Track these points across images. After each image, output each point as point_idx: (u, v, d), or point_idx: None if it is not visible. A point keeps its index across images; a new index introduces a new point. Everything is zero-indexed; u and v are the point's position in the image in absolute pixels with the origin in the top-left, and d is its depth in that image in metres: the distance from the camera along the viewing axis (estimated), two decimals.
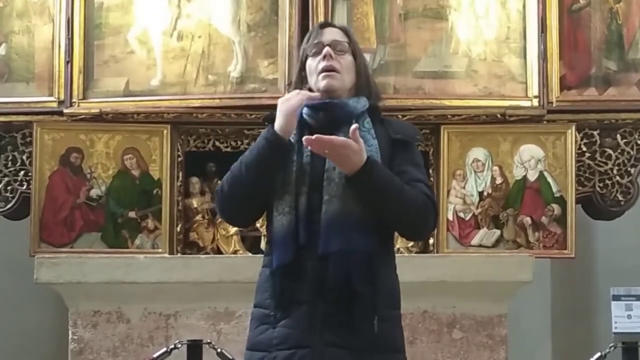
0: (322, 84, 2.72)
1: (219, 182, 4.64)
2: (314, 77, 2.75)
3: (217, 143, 4.89)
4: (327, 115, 2.72)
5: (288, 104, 2.68)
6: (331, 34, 2.79)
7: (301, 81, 2.81)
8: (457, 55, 4.80)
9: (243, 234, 4.80)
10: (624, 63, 4.84)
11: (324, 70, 2.72)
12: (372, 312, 2.61)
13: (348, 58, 2.76)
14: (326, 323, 2.60)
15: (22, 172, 4.88)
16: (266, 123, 2.79)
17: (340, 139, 2.56)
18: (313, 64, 2.76)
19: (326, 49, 2.73)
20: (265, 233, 4.27)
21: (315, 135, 2.55)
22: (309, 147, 2.59)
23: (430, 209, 2.69)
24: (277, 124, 2.66)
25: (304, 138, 2.58)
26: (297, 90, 2.74)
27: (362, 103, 2.76)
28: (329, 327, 2.60)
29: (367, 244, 2.62)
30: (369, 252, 2.62)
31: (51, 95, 4.81)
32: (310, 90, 2.76)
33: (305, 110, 2.73)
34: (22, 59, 4.87)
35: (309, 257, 2.62)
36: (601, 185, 4.88)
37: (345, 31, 2.83)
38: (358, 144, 2.56)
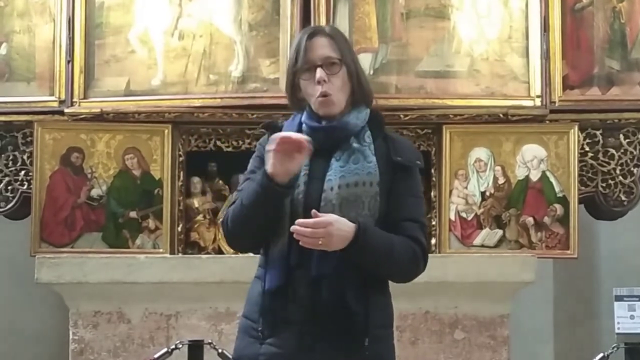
0: (321, 111, 2.67)
1: (221, 184, 4.59)
2: (311, 99, 2.68)
3: (218, 143, 4.88)
4: (327, 136, 2.67)
5: (285, 151, 2.53)
6: (321, 49, 2.68)
7: (297, 103, 2.73)
8: (459, 55, 4.79)
9: None
10: (627, 62, 4.82)
11: (320, 96, 2.65)
12: (364, 333, 2.59)
13: (340, 75, 2.68)
14: (315, 345, 2.58)
15: (23, 172, 4.87)
16: (262, 131, 2.76)
17: (323, 219, 2.50)
18: (308, 88, 2.68)
19: (319, 74, 2.64)
20: None
21: (297, 226, 2.50)
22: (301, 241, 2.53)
23: (419, 260, 2.67)
24: (271, 169, 2.54)
25: (292, 228, 2.51)
26: (294, 135, 2.58)
27: (362, 117, 2.69)
28: (318, 349, 2.58)
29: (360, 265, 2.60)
30: (362, 273, 2.60)
31: (52, 94, 4.80)
32: (310, 108, 2.70)
33: (305, 129, 2.69)
34: (23, 59, 4.86)
35: (301, 278, 2.59)
36: (604, 185, 4.86)
37: (334, 39, 2.71)
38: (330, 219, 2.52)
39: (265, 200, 2.57)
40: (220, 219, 2.79)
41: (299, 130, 2.69)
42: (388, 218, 2.64)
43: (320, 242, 2.51)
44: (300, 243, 2.52)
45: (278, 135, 2.55)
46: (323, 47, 2.69)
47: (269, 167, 2.54)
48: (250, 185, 2.62)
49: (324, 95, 2.65)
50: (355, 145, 2.65)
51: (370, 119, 2.72)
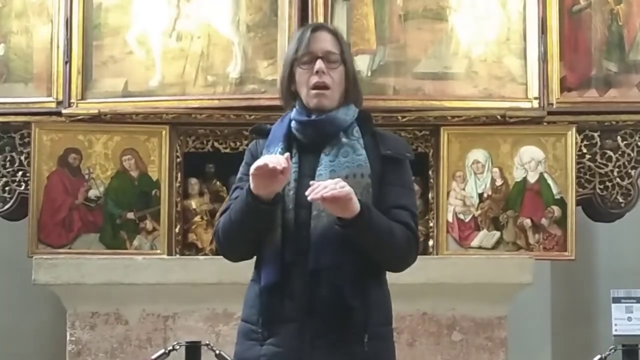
0: (313, 102, 2.68)
1: (218, 186, 4.56)
2: (304, 90, 2.70)
3: (216, 144, 4.88)
4: (316, 130, 2.69)
5: (268, 171, 2.52)
6: (323, 42, 2.71)
7: (291, 96, 2.74)
8: (457, 57, 4.79)
9: None
10: (625, 64, 4.83)
11: (316, 87, 2.67)
12: (363, 330, 2.59)
13: (339, 70, 2.71)
14: (315, 342, 2.58)
15: (20, 173, 4.86)
16: (253, 135, 2.76)
17: (344, 191, 2.49)
18: (304, 76, 2.69)
19: (318, 65, 2.67)
20: None
21: (314, 190, 2.49)
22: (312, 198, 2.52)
23: (413, 246, 2.68)
24: (256, 189, 2.55)
25: (307, 192, 2.51)
26: (276, 158, 2.57)
27: (350, 114, 2.71)
28: (318, 346, 2.58)
29: (357, 258, 2.59)
30: (359, 267, 2.60)
31: (50, 95, 4.80)
32: (300, 101, 2.71)
33: (294, 125, 2.70)
34: (20, 59, 4.85)
35: (297, 274, 2.60)
36: (601, 187, 4.86)
37: (336, 36, 2.75)
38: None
39: (252, 217, 2.59)
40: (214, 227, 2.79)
41: (288, 129, 2.70)
42: (378, 207, 2.64)
43: (337, 189, 2.48)
44: (314, 194, 2.49)
45: (255, 164, 2.54)
46: (325, 41, 2.72)
47: (252, 187, 2.55)
48: (238, 201, 2.63)
49: (322, 86, 2.67)
50: (344, 140, 2.67)
51: (359, 116, 2.74)
